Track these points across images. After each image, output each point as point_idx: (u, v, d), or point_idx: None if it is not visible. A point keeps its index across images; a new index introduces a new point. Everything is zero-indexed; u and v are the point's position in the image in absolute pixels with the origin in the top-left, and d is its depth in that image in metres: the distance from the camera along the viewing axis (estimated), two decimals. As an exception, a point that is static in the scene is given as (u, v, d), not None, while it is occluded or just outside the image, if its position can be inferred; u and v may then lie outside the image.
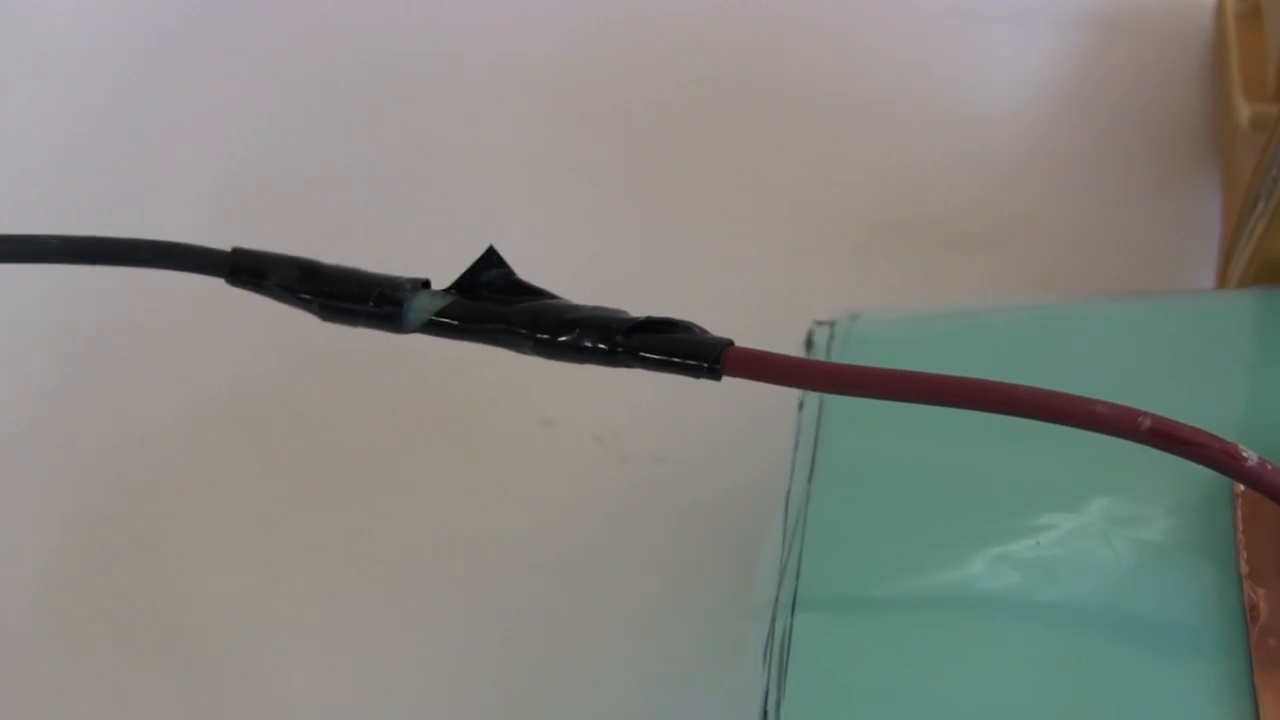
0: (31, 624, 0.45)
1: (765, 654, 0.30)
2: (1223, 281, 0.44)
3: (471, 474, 0.47)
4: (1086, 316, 0.40)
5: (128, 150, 0.56)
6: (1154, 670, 0.29)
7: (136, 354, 0.51)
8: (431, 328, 0.31)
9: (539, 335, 0.31)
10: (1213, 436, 0.28)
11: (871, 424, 0.35)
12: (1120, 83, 0.55)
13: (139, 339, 0.51)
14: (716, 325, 0.31)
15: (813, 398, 0.36)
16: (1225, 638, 0.29)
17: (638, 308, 0.31)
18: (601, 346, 0.31)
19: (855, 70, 0.56)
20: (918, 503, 0.33)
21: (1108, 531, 0.32)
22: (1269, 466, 0.28)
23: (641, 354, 0.30)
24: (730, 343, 0.30)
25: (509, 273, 0.31)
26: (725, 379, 0.31)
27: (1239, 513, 0.31)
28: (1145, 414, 0.28)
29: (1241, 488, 0.32)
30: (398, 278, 0.32)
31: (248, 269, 0.32)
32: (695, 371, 0.30)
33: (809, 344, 0.37)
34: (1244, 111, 0.48)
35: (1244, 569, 0.30)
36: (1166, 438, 0.28)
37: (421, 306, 0.31)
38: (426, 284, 0.32)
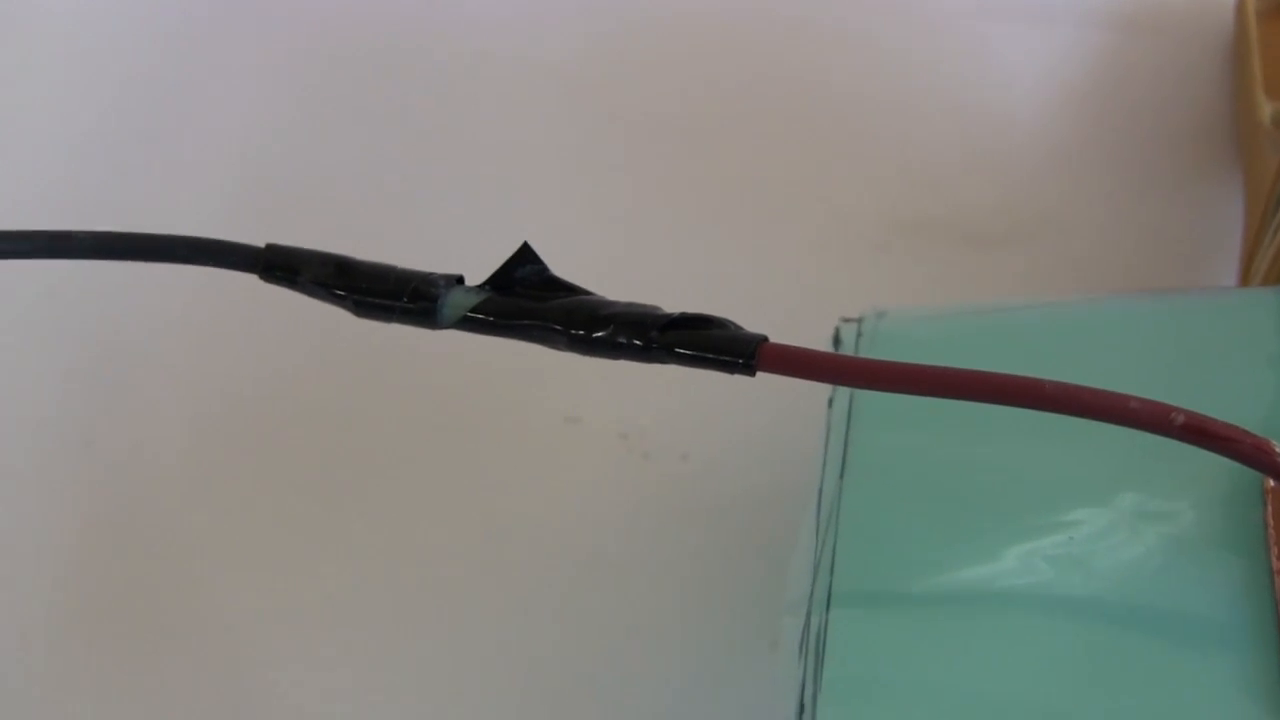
0: (52, 618, 0.45)
1: (801, 649, 0.30)
2: (1245, 279, 0.44)
3: (497, 470, 0.47)
4: (1111, 314, 0.40)
5: (147, 147, 0.56)
6: (1185, 664, 0.29)
7: (164, 350, 0.51)
8: (466, 324, 0.31)
9: (574, 331, 0.31)
10: (1245, 432, 0.28)
11: (902, 420, 0.35)
12: (1141, 81, 0.55)
13: (165, 337, 0.51)
14: (742, 323, 0.31)
15: (842, 394, 0.36)
16: (1256, 632, 0.29)
17: (665, 305, 0.31)
18: (636, 343, 0.30)
19: (878, 70, 0.56)
20: (949, 498, 0.33)
21: (1138, 527, 0.32)
22: None
23: (676, 350, 0.30)
24: (765, 338, 0.30)
25: (543, 269, 0.31)
26: (757, 376, 0.31)
27: (1269, 507, 0.31)
28: (1178, 410, 0.28)
29: (1272, 483, 0.32)
30: (432, 274, 0.31)
31: (282, 265, 0.32)
32: (730, 367, 0.30)
33: (836, 341, 0.37)
34: (1266, 109, 0.48)
35: (1275, 563, 0.30)
36: (1199, 433, 0.28)
37: (456, 303, 0.31)
38: (460, 280, 0.32)
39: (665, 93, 0.56)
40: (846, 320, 0.38)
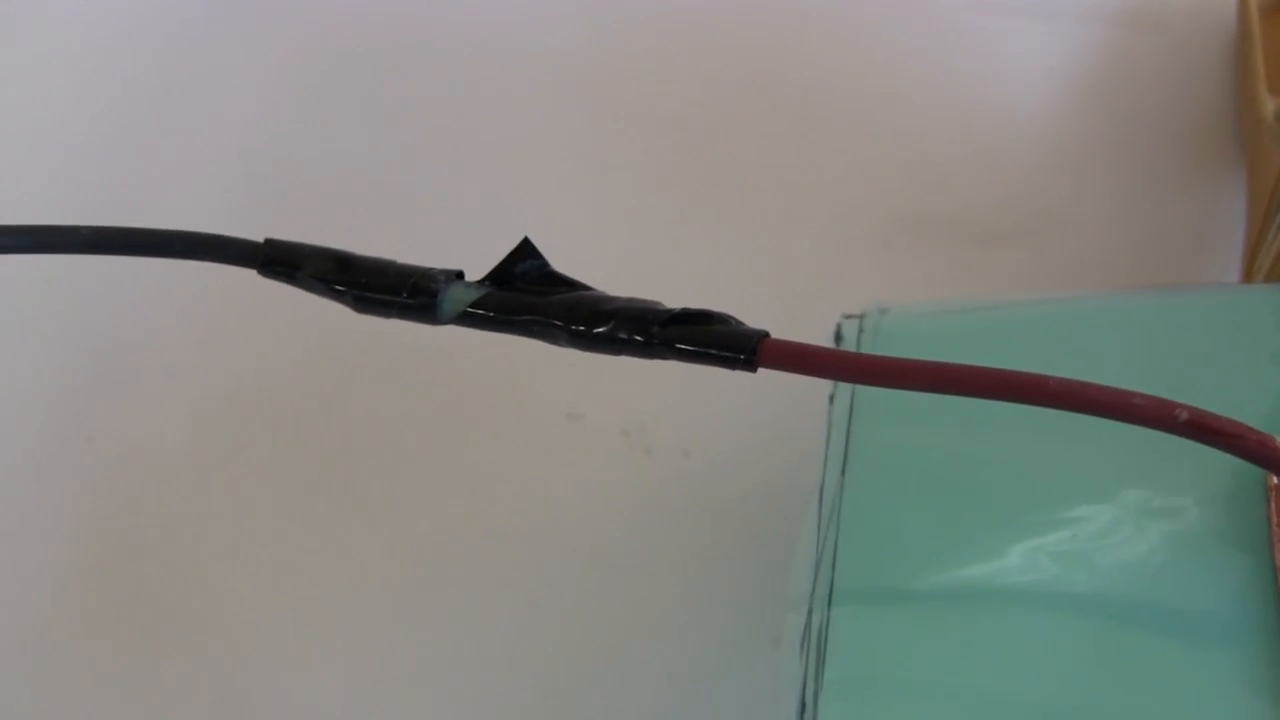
0: (52, 614, 0.45)
1: (803, 646, 0.30)
2: (1248, 275, 0.44)
3: (499, 466, 0.47)
4: (1114, 310, 0.40)
5: (146, 143, 0.56)
6: (1189, 661, 0.29)
7: (163, 346, 0.51)
8: (466, 319, 0.31)
9: (574, 327, 0.31)
10: (1249, 428, 0.28)
11: (904, 416, 0.35)
12: (1144, 77, 0.55)
13: (164, 333, 0.51)
14: (743, 318, 0.31)
15: (844, 390, 0.36)
16: (1260, 628, 0.30)
17: (666, 301, 0.31)
18: (637, 338, 0.30)
19: (880, 67, 0.56)
20: (952, 495, 0.33)
21: (1141, 523, 0.32)
22: None
23: (678, 346, 0.30)
24: (766, 334, 0.30)
25: (544, 264, 0.31)
26: (758, 373, 0.30)
27: (1272, 504, 0.31)
28: (1183, 406, 0.28)
29: (1275, 479, 0.32)
30: (432, 269, 0.31)
31: (281, 260, 0.32)
32: (731, 363, 0.30)
33: (838, 337, 0.37)
34: (1269, 105, 0.48)
35: (1278, 559, 0.30)
36: (1203, 429, 0.28)
37: (456, 298, 0.31)
38: (460, 275, 0.31)
39: (668, 89, 0.56)
40: (849, 316, 0.38)
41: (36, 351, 0.51)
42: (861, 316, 0.38)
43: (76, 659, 0.45)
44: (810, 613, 0.31)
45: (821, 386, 0.36)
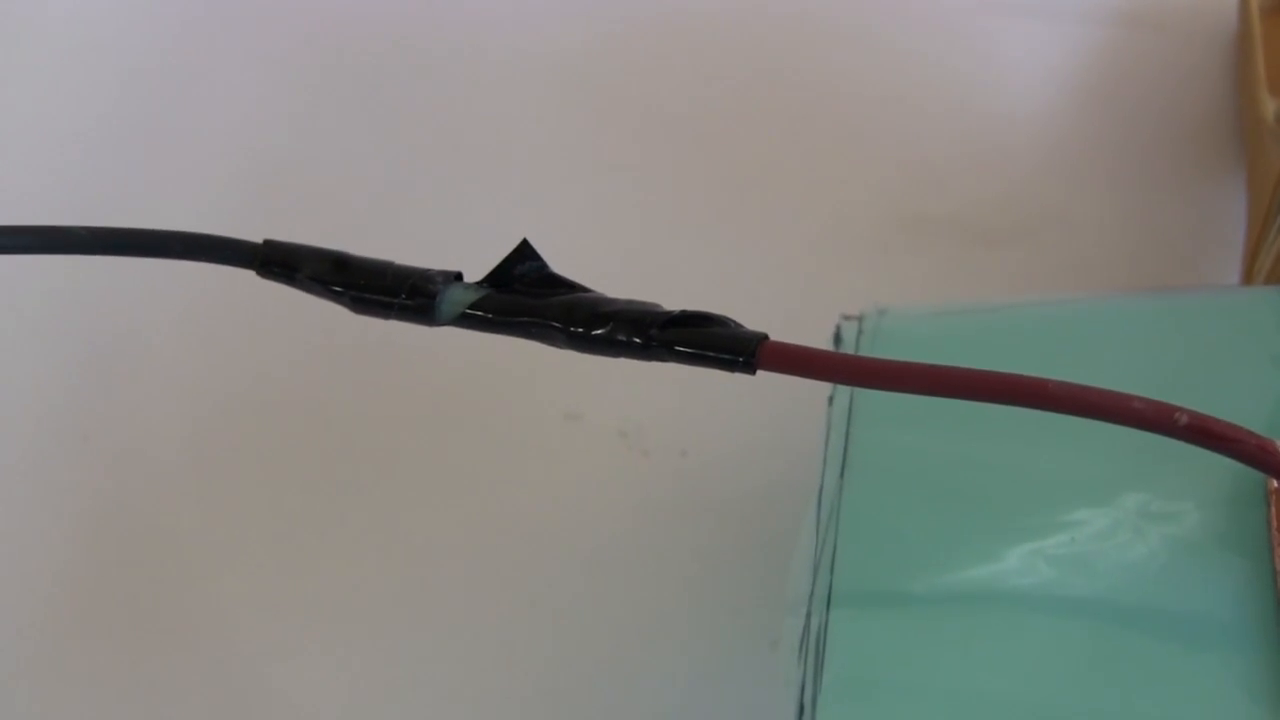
0: (48, 612, 0.45)
1: (801, 648, 0.30)
2: (1248, 277, 0.44)
3: (497, 467, 0.48)
4: (1114, 312, 0.40)
5: (145, 144, 0.56)
6: (1188, 665, 0.29)
7: (161, 346, 0.51)
8: (464, 321, 0.31)
9: (573, 329, 0.31)
10: (1249, 432, 0.28)
11: (903, 419, 0.35)
12: (1144, 78, 0.55)
13: (162, 332, 0.51)
14: (742, 320, 0.31)
15: (843, 392, 0.36)
16: (1258, 631, 0.30)
17: (665, 303, 0.31)
18: (636, 340, 0.30)
19: (880, 68, 0.56)
20: (951, 498, 0.33)
21: (1141, 527, 0.32)
22: None
23: (676, 348, 0.30)
24: (765, 337, 0.30)
25: (542, 266, 0.31)
26: (756, 374, 0.30)
27: (1273, 508, 0.31)
28: (1182, 410, 0.28)
29: (1275, 483, 0.32)
30: (430, 270, 0.31)
31: (279, 261, 0.32)
32: (730, 366, 0.30)
33: (837, 339, 0.38)
34: (1269, 106, 0.48)
35: (1278, 564, 0.30)
36: (1203, 433, 0.28)
37: (454, 299, 0.31)
38: (459, 277, 0.31)
39: (668, 90, 0.56)
40: (847, 318, 0.38)
41: (34, 351, 0.51)
42: (860, 318, 0.38)
43: (74, 656, 0.45)
44: (809, 615, 0.31)
45: (819, 388, 0.36)
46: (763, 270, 0.50)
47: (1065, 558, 0.31)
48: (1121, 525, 0.32)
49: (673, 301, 0.31)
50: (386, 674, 0.43)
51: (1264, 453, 0.28)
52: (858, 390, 0.36)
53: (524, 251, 0.31)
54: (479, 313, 0.31)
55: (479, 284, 0.31)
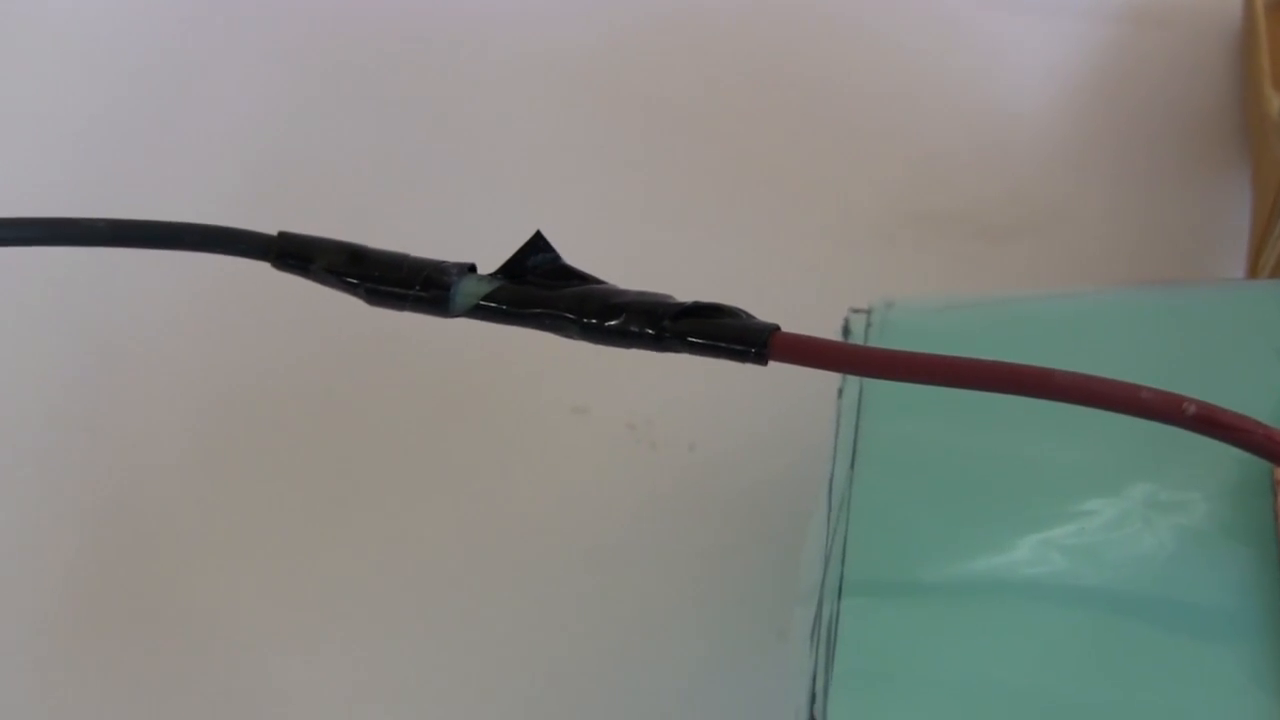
0: (53, 606, 0.46)
1: (812, 638, 0.31)
2: (1254, 271, 0.44)
3: (506, 461, 0.48)
4: (1120, 305, 0.40)
5: (156, 136, 0.56)
6: (1195, 654, 0.30)
7: (167, 338, 0.51)
8: (478, 312, 0.31)
9: (586, 320, 0.31)
10: (1256, 422, 0.28)
11: (912, 410, 0.35)
12: (1150, 74, 0.55)
13: (168, 325, 0.51)
14: (752, 312, 0.31)
15: (852, 384, 0.36)
16: (1264, 620, 0.30)
17: (677, 295, 0.31)
18: (649, 331, 0.30)
19: (888, 65, 0.56)
20: (961, 488, 0.33)
21: (1149, 517, 0.32)
22: None
23: (689, 339, 0.30)
24: (777, 328, 0.30)
25: (556, 258, 0.31)
26: (765, 366, 0.31)
27: (1279, 498, 0.32)
28: (1190, 400, 0.28)
29: None
30: (444, 262, 0.31)
31: (294, 253, 0.32)
32: (742, 356, 0.30)
33: (846, 331, 0.38)
34: (1274, 102, 0.48)
35: None
36: (1211, 423, 0.28)
37: (468, 291, 0.31)
38: (473, 269, 0.32)
39: (679, 86, 0.56)
40: (856, 310, 0.38)
41: (39, 343, 0.51)
42: (868, 311, 0.38)
43: (75, 650, 0.45)
44: (820, 604, 0.31)
45: (827, 380, 0.36)
46: (770, 264, 0.50)
47: (1074, 548, 0.31)
48: (1130, 515, 0.32)
49: (685, 294, 0.31)
50: (395, 666, 0.43)
51: (1271, 442, 0.28)
52: (867, 382, 0.36)
53: (537, 243, 0.31)
54: (493, 304, 0.31)
55: (492, 276, 0.31)
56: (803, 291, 0.48)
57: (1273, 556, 0.31)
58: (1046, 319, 0.39)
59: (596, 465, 0.47)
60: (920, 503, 0.33)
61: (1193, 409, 0.28)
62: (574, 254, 0.32)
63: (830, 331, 0.37)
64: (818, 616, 0.31)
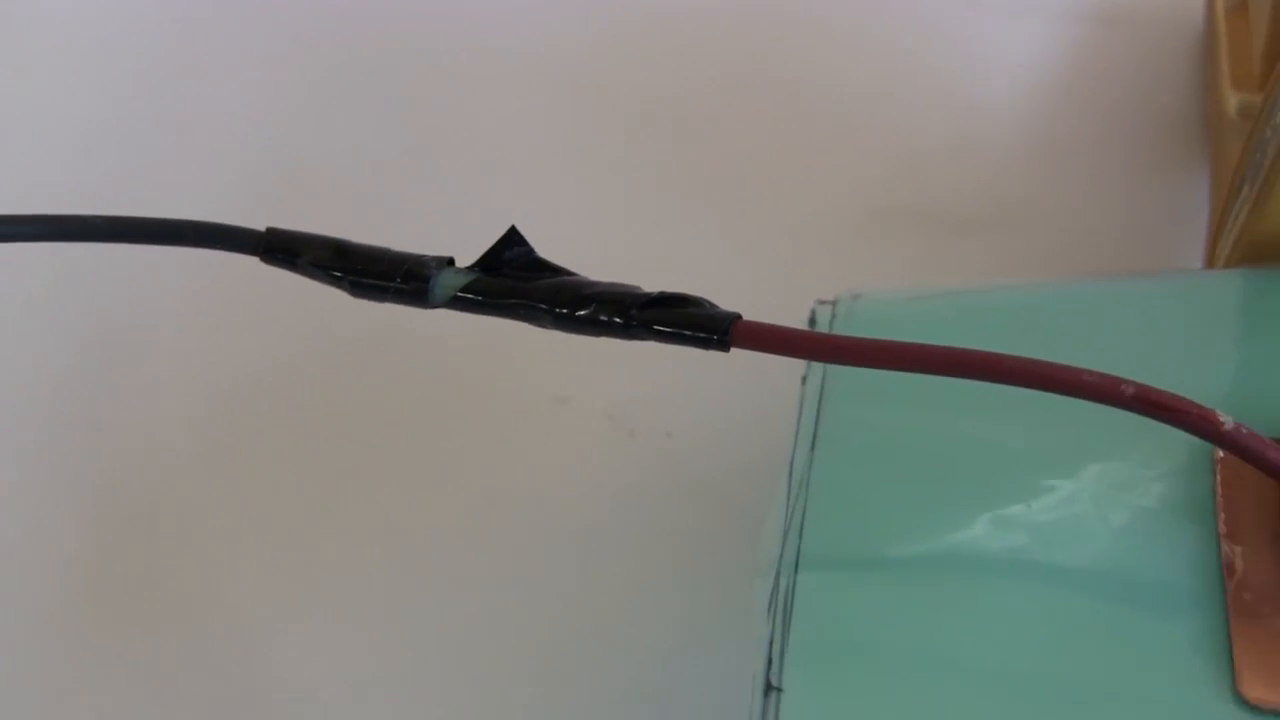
0: (56, 598, 0.46)
1: (770, 608, 0.31)
2: (1210, 262, 0.45)
3: (492, 449, 0.48)
4: (1080, 295, 0.41)
5: (152, 140, 0.57)
6: (1139, 624, 0.30)
7: (165, 333, 0.52)
8: (456, 303, 0.32)
9: (558, 310, 0.32)
10: (1191, 402, 0.29)
11: (872, 395, 0.36)
12: (1116, 73, 0.56)
13: (166, 320, 0.52)
14: (725, 306, 0.32)
15: (815, 371, 0.37)
16: (1204, 593, 0.31)
17: (650, 288, 0.32)
18: (617, 320, 0.31)
19: (862, 63, 0.57)
20: (917, 469, 0.34)
21: (1099, 496, 0.33)
22: (1244, 430, 0.29)
23: (655, 327, 0.31)
24: (738, 316, 0.31)
25: (530, 251, 0.32)
26: (735, 355, 0.32)
27: (1218, 476, 0.33)
28: (1129, 382, 0.29)
29: (1221, 453, 0.33)
30: (424, 256, 0.32)
31: (282, 248, 0.33)
32: (705, 343, 0.31)
33: (812, 322, 0.38)
34: (1232, 101, 0.49)
35: (1222, 529, 0.32)
36: (1148, 404, 0.29)
37: (447, 283, 0.32)
38: (451, 262, 0.33)
39: (655, 85, 0.57)
40: (822, 302, 0.39)
41: (42, 338, 0.52)
42: (834, 302, 0.39)
43: (78, 641, 0.45)
44: (778, 577, 0.32)
45: (798, 372, 0.37)
46: (745, 260, 0.51)
47: (1026, 525, 0.32)
48: (1082, 494, 0.33)
49: (659, 288, 0.32)
50: (383, 650, 0.44)
51: (1206, 421, 0.29)
52: (830, 370, 0.37)
53: (512, 237, 0.32)
54: (470, 295, 0.32)
55: (470, 268, 0.32)
56: (775, 286, 0.47)
57: (1213, 532, 0.32)
58: (1008, 309, 0.39)
59: (578, 453, 0.48)
60: (878, 482, 0.34)
61: (1131, 390, 0.29)
62: (552, 248, 0.33)
63: (799, 323, 0.38)
64: (775, 588, 0.31)
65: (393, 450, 0.49)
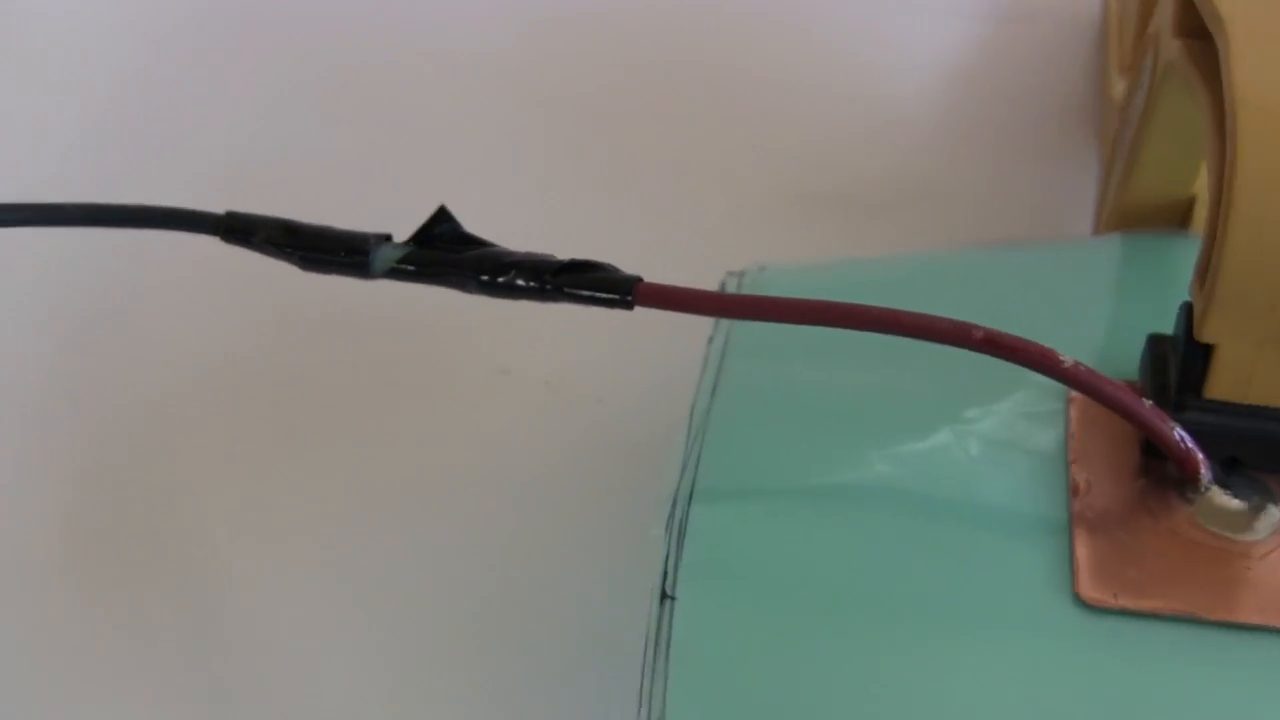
0: (41, 572, 0.48)
1: (667, 530, 0.34)
2: (1096, 232, 0.49)
3: (439, 418, 0.51)
4: (968, 262, 0.44)
5: (127, 137, 0.60)
6: (993, 543, 0.34)
7: (136, 316, 0.55)
8: (394, 274, 0.36)
9: (482, 277, 0.35)
10: (1033, 343, 0.32)
11: (768, 352, 0.39)
12: (1020, 65, 0.59)
13: (138, 303, 0.55)
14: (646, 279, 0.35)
15: (720, 333, 0.40)
16: (1053, 514, 0.34)
17: (571, 261, 0.35)
18: (533, 285, 0.35)
19: (777, 57, 0.59)
20: (802, 412, 0.37)
21: (964, 434, 0.36)
22: (1081, 367, 0.32)
23: (567, 290, 0.35)
24: (640, 278, 0.35)
25: (457, 226, 0.36)
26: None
27: (1070, 413, 0.36)
28: (978, 326, 0.33)
29: (1073, 393, 0.36)
30: (366, 233, 0.36)
31: (239, 228, 0.37)
32: (611, 304, 0.35)
33: (722, 289, 0.42)
34: (1118, 85, 0.52)
35: (1071, 457, 0.35)
36: (996, 345, 0.33)
37: (385, 256, 0.36)
38: (389, 238, 0.36)
39: (581, 77, 0.60)
40: (731, 273, 0.42)
41: (28, 319, 0.54)
42: (742, 273, 0.42)
43: (70, 604, 0.47)
44: (675, 505, 0.34)
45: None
46: (661, 242, 0.52)
47: (897, 458, 0.35)
48: (950, 433, 0.36)
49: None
50: (339, 605, 0.46)
51: (1046, 359, 0.32)
52: (733, 332, 0.40)
53: (441, 215, 0.36)
54: (405, 266, 0.36)
55: (405, 243, 0.36)
56: (696, 266, 0.49)
57: (1063, 464, 0.35)
58: (900, 275, 0.42)
59: (518, 420, 0.50)
60: (765, 424, 0.37)
61: (980, 334, 0.33)
62: (486, 225, 0.36)
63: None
64: (672, 514, 0.34)
65: (350, 419, 0.51)
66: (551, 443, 0.50)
